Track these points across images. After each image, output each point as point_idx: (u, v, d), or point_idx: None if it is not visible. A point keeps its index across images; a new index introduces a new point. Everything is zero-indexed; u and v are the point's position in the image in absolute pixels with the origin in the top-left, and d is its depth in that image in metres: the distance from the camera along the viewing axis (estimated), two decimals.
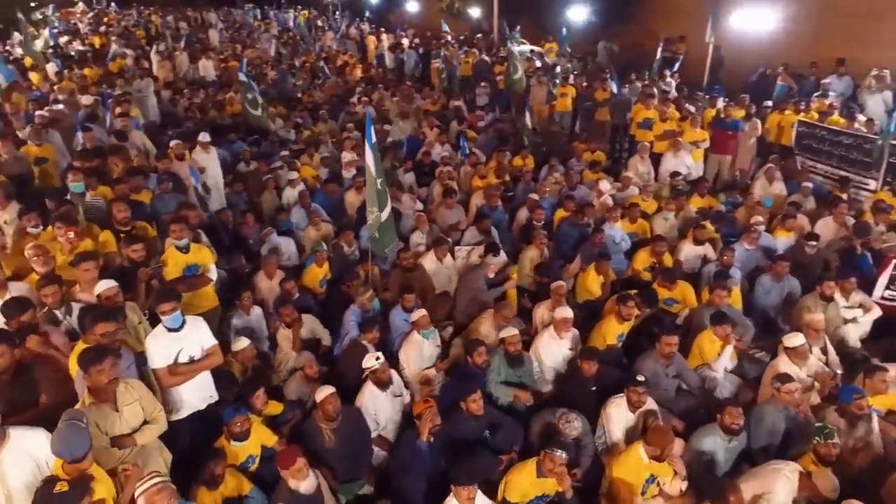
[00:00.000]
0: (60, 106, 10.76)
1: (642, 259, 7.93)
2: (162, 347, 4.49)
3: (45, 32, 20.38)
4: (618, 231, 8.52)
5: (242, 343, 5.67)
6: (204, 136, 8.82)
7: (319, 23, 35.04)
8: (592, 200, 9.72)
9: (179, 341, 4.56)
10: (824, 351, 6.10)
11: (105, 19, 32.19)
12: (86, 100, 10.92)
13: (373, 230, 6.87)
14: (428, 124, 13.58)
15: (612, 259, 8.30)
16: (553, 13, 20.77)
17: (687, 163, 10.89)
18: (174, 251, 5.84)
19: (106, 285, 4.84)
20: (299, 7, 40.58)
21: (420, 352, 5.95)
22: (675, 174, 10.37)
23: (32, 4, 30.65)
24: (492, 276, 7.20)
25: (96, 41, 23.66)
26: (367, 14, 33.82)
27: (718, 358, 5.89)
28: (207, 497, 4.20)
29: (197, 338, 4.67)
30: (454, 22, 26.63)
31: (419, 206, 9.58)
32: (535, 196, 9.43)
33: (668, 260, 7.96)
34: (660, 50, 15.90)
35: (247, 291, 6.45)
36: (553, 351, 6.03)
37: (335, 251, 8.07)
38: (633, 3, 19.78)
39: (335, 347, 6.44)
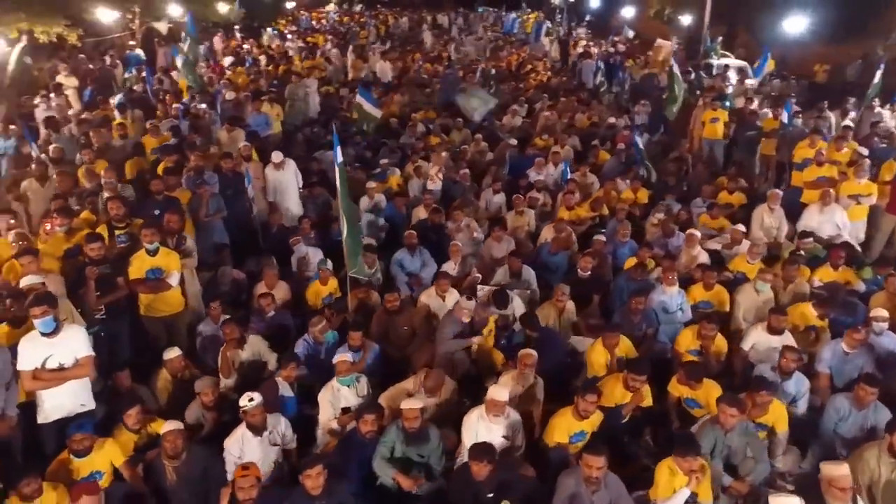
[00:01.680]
0: (203, 105, 12.00)
1: (686, 340, 6.32)
2: (31, 350, 4.64)
3: (268, 31, 23.17)
4: (674, 297, 6.92)
5: (172, 353, 5.71)
6: (276, 156, 9.09)
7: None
8: (681, 252, 8.08)
9: (51, 347, 4.68)
10: None
11: (345, 19, 35.54)
12: (228, 95, 12.06)
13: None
14: (559, 142, 12.55)
15: (663, 331, 6.86)
16: (769, 24, 17.77)
17: (838, 221, 8.45)
18: (142, 253, 6.08)
19: (28, 280, 5.19)
20: (528, 10, 40.71)
21: (335, 400, 5.40)
22: (804, 234, 8.12)
23: (290, 5, 35.08)
24: (466, 321, 6.29)
25: (320, 39, 26.19)
26: (588, 18, 32.56)
27: (669, 499, 4.39)
28: None
29: (71, 346, 4.75)
30: (667, 29, 24.37)
31: (479, 235, 8.80)
32: (601, 237, 8.11)
33: (719, 346, 6.25)
34: (879, 71, 12.63)
35: (216, 300, 6.48)
36: (481, 434, 5.00)
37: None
38: (870, 12, 16.04)
39: None
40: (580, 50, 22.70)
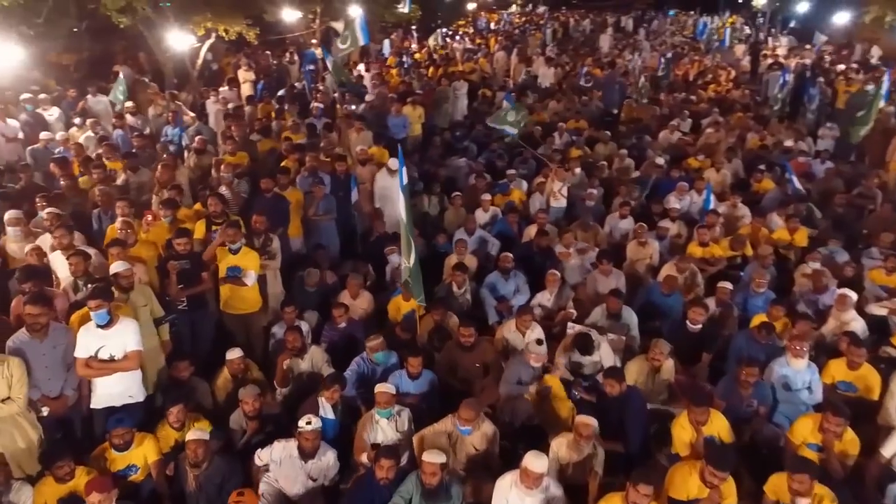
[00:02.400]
0: (353, 107, 12.32)
1: (804, 429, 5.08)
2: (86, 339, 4.86)
3: (437, 32, 23.52)
4: (800, 372, 5.67)
5: (233, 353, 5.75)
6: (393, 163, 8.97)
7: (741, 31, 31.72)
8: (830, 315, 6.67)
9: (104, 338, 4.88)
10: None
11: (522, 20, 35.17)
12: (369, 97, 12.29)
13: (405, 276, 6.15)
14: (716, 165, 11.15)
15: (781, 411, 5.66)
16: None
17: None
18: (225, 250, 6.24)
19: (120, 266, 5.51)
20: (726, 14, 37.45)
21: (372, 431, 5.08)
22: None
23: (472, 6, 35.51)
24: (535, 366, 5.62)
25: (492, 42, 26.11)
26: (792, 24, 28.98)
27: None
28: (51, 486, 4.45)
29: (123, 339, 4.91)
30: (886, 38, 20.85)
31: (589, 257, 7.98)
32: (726, 285, 6.94)
33: (847, 445, 4.95)
34: None
35: (290, 305, 6.47)
36: (512, 503, 4.43)
37: (444, 291, 7.41)
38: None
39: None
40: (770, 60, 20.16)
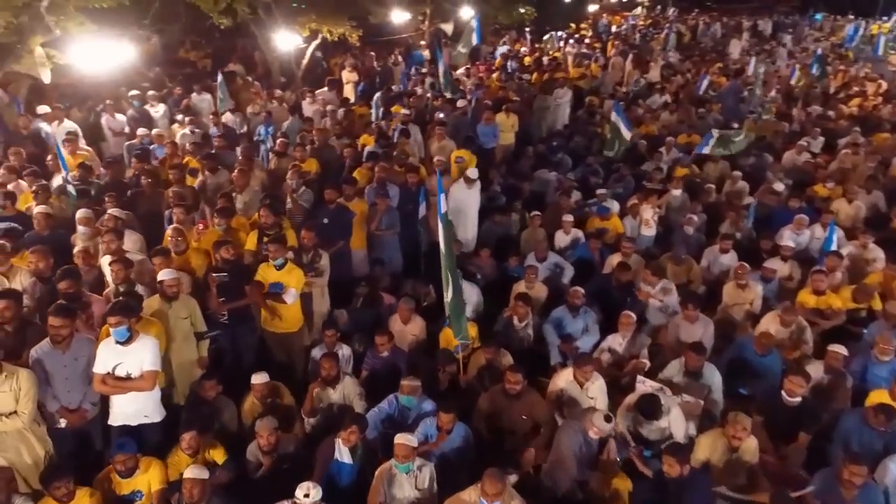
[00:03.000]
0: (441, 115, 11.86)
1: None
2: (105, 355, 4.70)
3: (551, 35, 22.59)
4: None
5: (258, 378, 5.42)
6: (472, 173, 8.40)
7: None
8: None
9: (122, 355, 4.69)
10: None
11: (647, 22, 33.32)
12: (460, 103, 11.81)
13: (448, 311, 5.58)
14: (847, 195, 9.65)
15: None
16: None
17: None
18: (269, 265, 5.98)
19: (167, 274, 5.43)
20: (884, 18, 33.47)
21: (389, 486, 4.55)
22: None
23: (593, 8, 34.14)
24: (594, 438, 4.84)
25: (609, 45, 24.75)
26: None
27: None
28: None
29: (141, 357, 4.71)
30: None
31: (671, 301, 7.00)
32: (837, 349, 5.75)
33: None
34: None
35: (332, 328, 6.08)
36: None
37: (503, 324, 6.75)
38: None
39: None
40: None
